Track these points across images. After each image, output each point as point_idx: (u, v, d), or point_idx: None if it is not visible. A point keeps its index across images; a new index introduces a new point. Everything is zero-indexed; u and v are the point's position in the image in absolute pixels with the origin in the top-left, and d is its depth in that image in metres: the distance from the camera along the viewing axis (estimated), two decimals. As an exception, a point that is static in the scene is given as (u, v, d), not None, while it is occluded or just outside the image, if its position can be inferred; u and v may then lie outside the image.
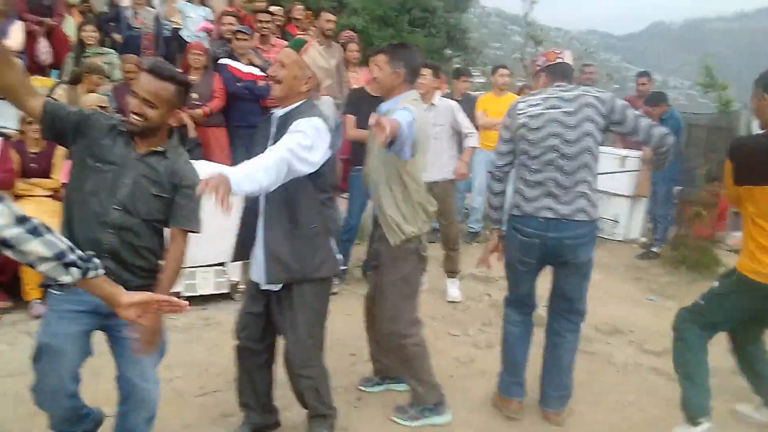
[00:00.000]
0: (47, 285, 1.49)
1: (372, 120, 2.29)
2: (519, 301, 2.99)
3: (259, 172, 2.03)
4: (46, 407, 2.13)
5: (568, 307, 2.92)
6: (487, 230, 5.81)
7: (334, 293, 3.00)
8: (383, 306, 2.82)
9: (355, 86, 5.05)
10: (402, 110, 2.56)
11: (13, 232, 1.37)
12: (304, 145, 2.17)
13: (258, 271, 2.43)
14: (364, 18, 11.71)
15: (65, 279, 1.46)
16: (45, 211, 4.06)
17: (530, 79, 3.16)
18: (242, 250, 2.49)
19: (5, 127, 4.27)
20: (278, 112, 2.40)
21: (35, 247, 1.40)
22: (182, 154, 2.20)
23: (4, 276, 3.89)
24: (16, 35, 5.02)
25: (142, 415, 2.15)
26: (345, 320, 3.69)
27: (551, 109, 2.73)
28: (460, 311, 4.46)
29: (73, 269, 1.46)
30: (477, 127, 5.48)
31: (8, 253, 1.40)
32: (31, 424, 2.64)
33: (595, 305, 4.50)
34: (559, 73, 2.85)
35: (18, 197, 4.13)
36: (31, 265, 1.44)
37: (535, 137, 2.73)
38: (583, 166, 2.70)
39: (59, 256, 1.43)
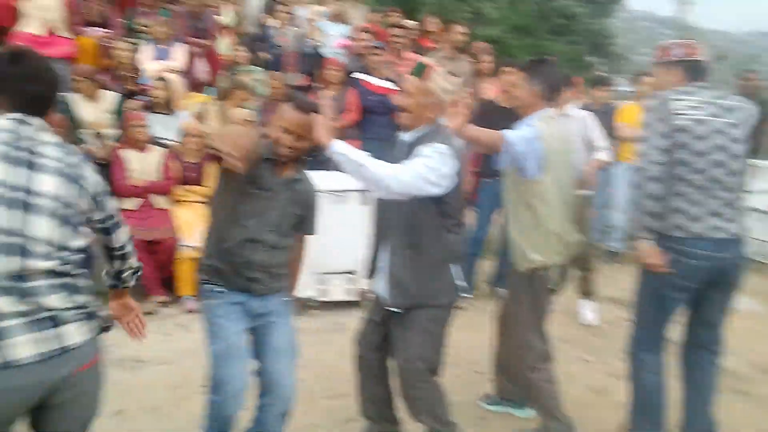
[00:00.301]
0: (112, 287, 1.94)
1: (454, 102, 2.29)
2: (656, 341, 2.66)
3: (369, 160, 2.15)
4: (233, 411, 2.21)
5: (711, 337, 2.64)
6: (629, 249, 5.42)
7: (461, 308, 2.95)
8: (510, 335, 2.74)
9: (484, 98, 4.98)
10: (524, 126, 2.46)
11: (130, 247, 1.84)
12: (428, 167, 2.18)
13: (380, 289, 2.47)
14: (502, 27, 11.51)
15: (131, 284, 1.90)
16: (199, 215, 4.46)
17: (655, 68, 2.79)
18: (372, 270, 2.55)
19: (167, 139, 4.75)
20: (405, 138, 2.42)
21: (134, 261, 1.88)
22: (309, 176, 2.45)
23: (163, 273, 4.32)
24: (180, 57, 5.60)
25: (280, 409, 2.31)
26: (472, 336, 3.61)
27: (713, 117, 2.44)
28: (596, 336, 4.18)
29: (134, 276, 1.90)
30: (617, 138, 5.16)
31: (117, 262, 1.83)
32: (182, 410, 2.89)
33: (752, 339, 4.02)
34: (699, 71, 2.53)
35: (176, 202, 4.58)
36: (120, 272, 1.86)
37: (699, 148, 2.42)
38: (742, 182, 2.49)
39: (137, 269, 1.90)
